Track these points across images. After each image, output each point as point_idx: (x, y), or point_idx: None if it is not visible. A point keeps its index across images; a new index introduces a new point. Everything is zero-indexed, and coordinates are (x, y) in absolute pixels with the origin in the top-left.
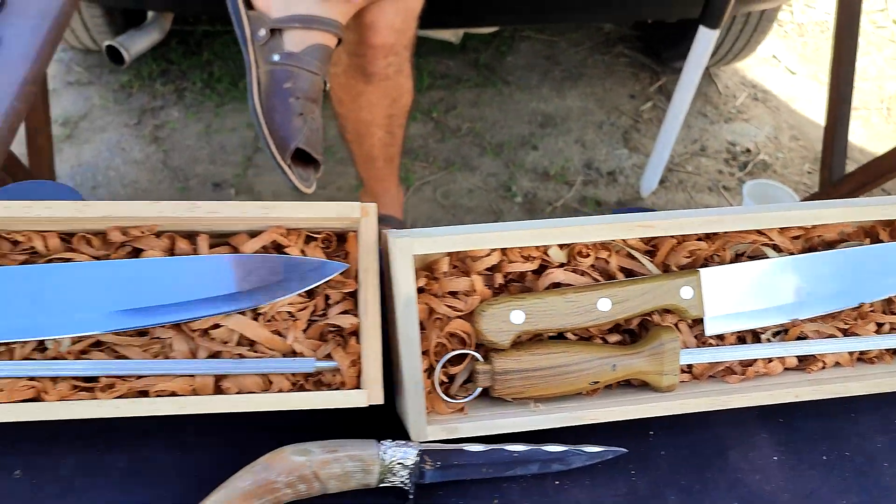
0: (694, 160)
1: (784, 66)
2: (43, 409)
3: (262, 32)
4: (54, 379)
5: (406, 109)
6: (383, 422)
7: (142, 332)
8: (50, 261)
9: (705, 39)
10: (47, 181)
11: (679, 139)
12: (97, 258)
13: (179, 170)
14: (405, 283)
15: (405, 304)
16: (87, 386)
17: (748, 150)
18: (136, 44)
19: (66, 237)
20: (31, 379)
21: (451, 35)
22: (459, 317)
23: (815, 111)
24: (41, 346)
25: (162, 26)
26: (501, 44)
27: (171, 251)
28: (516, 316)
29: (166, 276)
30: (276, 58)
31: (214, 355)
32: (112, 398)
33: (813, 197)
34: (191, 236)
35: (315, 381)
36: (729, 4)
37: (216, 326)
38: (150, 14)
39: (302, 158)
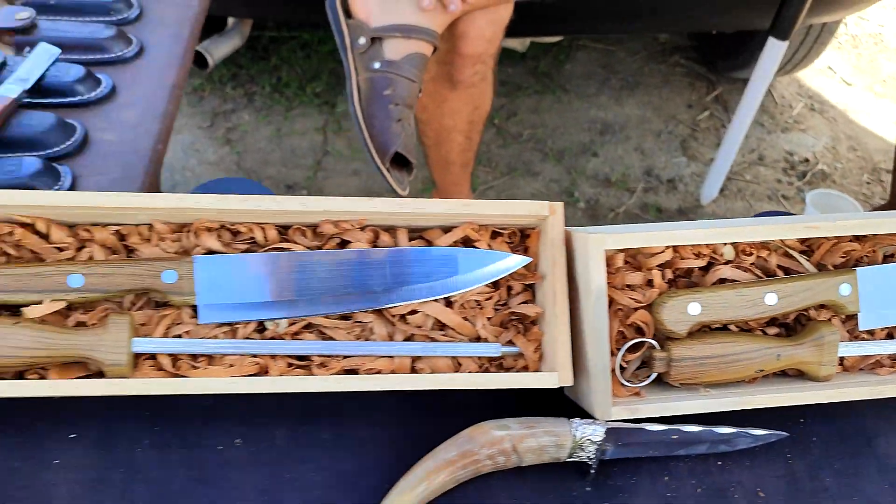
0: (752, 169)
1: (839, 77)
2: (275, 382)
3: (362, 41)
4: (273, 356)
5: (485, 116)
6: (540, 402)
7: (345, 317)
8: (268, 250)
9: (774, 50)
10: (240, 178)
11: None
12: (310, 248)
13: (252, 171)
14: (597, 276)
15: (597, 296)
16: (301, 364)
17: (806, 160)
18: (219, 49)
19: (282, 229)
20: (254, 356)
21: (518, 44)
22: (639, 308)
23: (872, 122)
24: (260, 327)
25: (242, 32)
26: (559, 52)
27: (374, 243)
28: (693, 308)
29: (371, 265)
30: (376, 65)
31: (408, 339)
32: (329, 374)
33: (882, 208)
34: (391, 230)
35: (497, 364)
36: (800, 16)
37: (413, 312)
38: (231, 21)
39: (397, 162)
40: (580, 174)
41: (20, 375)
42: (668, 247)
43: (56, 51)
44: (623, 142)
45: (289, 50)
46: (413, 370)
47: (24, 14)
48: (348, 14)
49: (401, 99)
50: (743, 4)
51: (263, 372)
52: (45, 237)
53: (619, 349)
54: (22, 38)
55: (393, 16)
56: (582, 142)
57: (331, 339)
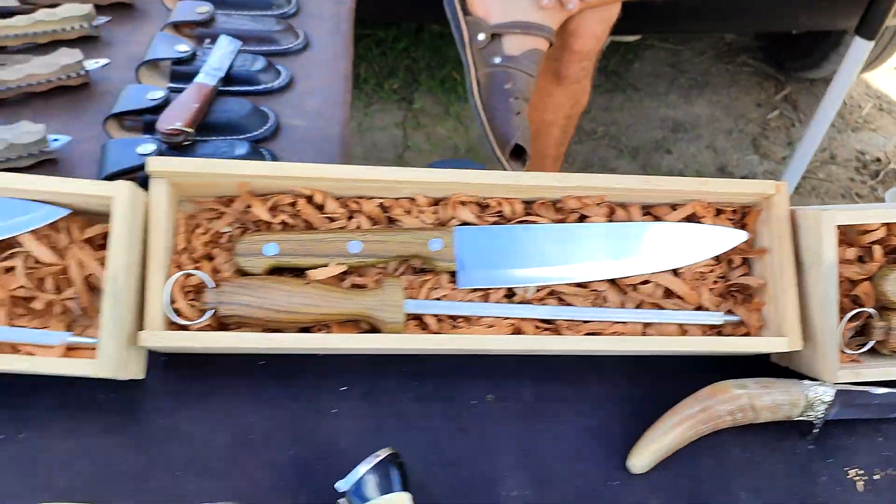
0: (825, 168)
1: None
2: (547, 341)
3: (482, 37)
4: (523, 319)
5: (581, 111)
6: (744, 369)
7: (582, 285)
8: (516, 223)
9: (860, 50)
10: (462, 160)
11: None
12: (553, 221)
13: None
14: (828, 250)
15: (828, 268)
16: (548, 327)
17: (878, 160)
18: None
19: (527, 203)
20: (506, 318)
21: None
22: (861, 280)
23: None
24: (509, 293)
25: None
26: (628, 51)
27: (609, 218)
28: None
29: (606, 238)
30: (497, 60)
31: (637, 306)
32: (579, 336)
33: None
34: (623, 206)
35: (716, 332)
36: (889, 16)
37: (645, 282)
38: None
39: (513, 153)
40: (655, 171)
41: (304, 331)
42: (882, 224)
43: (238, 43)
44: (695, 140)
45: (364, 47)
46: (643, 335)
47: (204, 8)
48: (466, 11)
49: (520, 93)
50: (829, 4)
51: (518, 333)
52: (319, 208)
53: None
54: (202, 30)
55: (512, 13)
56: (655, 139)
57: (570, 304)
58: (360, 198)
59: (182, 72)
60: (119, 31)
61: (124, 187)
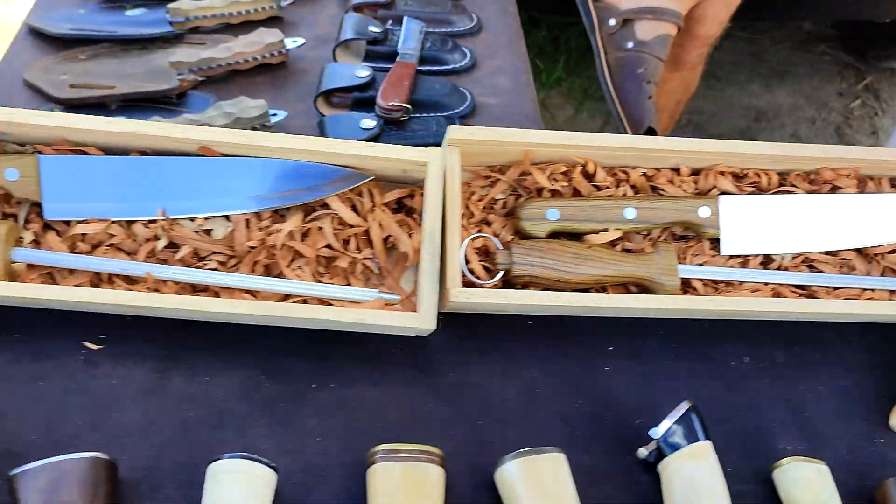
0: None
1: None
2: (815, 304)
3: (612, 22)
4: (780, 284)
5: (690, 96)
6: None
7: (831, 253)
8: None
9: None
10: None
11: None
12: (807, 192)
13: None
14: None
15: None
16: (801, 293)
17: None
18: None
19: (781, 174)
20: (766, 284)
21: None
22: None
23: None
24: (765, 260)
25: None
26: None
27: (859, 189)
28: None
29: (858, 208)
30: (629, 45)
31: (882, 275)
32: (841, 300)
33: None
34: (872, 178)
35: None
36: None
37: (893, 251)
38: None
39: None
40: None
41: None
42: None
43: (422, 24)
44: (779, 129)
45: None
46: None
47: None
48: None
49: (651, 77)
50: None
51: (776, 297)
52: (589, 177)
53: None
54: (384, 12)
55: None
56: (739, 127)
57: (820, 272)
58: (624, 167)
59: (376, 51)
60: (301, 13)
61: (437, 153)
